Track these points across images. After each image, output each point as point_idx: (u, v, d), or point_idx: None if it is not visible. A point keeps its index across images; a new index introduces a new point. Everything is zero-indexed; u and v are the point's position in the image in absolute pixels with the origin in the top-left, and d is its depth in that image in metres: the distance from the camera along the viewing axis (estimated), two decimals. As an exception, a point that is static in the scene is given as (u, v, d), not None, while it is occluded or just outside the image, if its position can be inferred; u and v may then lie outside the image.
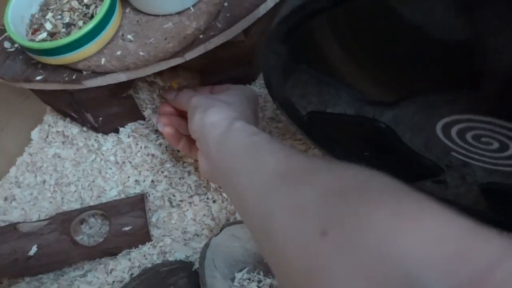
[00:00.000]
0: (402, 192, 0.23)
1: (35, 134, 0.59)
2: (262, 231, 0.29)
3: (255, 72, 0.56)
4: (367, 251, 0.21)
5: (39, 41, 0.42)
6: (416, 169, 0.41)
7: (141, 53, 0.42)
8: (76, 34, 0.40)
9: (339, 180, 0.26)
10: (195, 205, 0.52)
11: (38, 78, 0.44)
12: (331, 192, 0.25)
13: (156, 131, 0.56)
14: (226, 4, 0.45)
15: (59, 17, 0.43)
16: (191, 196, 0.53)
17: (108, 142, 0.56)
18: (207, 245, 0.47)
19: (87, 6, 0.43)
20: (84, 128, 0.57)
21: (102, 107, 0.51)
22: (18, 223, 0.51)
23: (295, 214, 0.26)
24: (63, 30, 0.43)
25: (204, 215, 0.52)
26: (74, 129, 0.58)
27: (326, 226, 0.23)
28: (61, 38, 0.42)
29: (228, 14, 0.44)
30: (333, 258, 0.22)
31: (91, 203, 0.54)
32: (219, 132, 0.38)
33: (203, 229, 0.51)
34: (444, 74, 0.28)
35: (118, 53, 0.42)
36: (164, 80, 0.54)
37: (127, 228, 0.50)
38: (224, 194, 0.52)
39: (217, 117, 0.40)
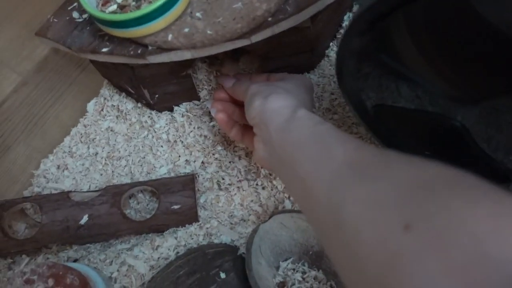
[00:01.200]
0: (500, 192, 0.21)
1: (90, 106, 0.60)
2: (330, 223, 0.28)
3: (314, 61, 0.54)
4: (462, 250, 0.19)
5: (109, 13, 0.42)
6: (485, 174, 0.39)
7: (208, 31, 0.42)
8: (147, 8, 0.40)
9: (423, 173, 0.24)
10: (243, 190, 0.52)
11: (104, 50, 0.44)
12: (414, 185, 0.24)
13: (210, 112, 0.55)
14: (297, -12, 0.44)
15: (130, -10, 0.43)
16: (240, 181, 0.52)
17: (162, 120, 0.56)
18: (255, 231, 0.46)
19: (158, -19, 0.43)
20: (139, 104, 0.58)
21: (160, 85, 0.51)
22: (70, 191, 0.52)
23: (372, 206, 0.25)
24: (133, 3, 0.43)
25: (252, 200, 0.51)
26: (128, 105, 0.58)
27: (409, 219, 0.22)
28: (130, 11, 0.42)
29: (298, -2, 0.43)
30: (419, 254, 0.21)
31: (141, 179, 0.55)
32: (282, 120, 0.37)
33: (250, 214, 0.51)
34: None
35: (186, 30, 0.42)
36: (228, 69, 0.53)
37: (176, 207, 0.50)
38: (274, 182, 0.51)
39: (279, 103, 0.39)
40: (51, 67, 0.66)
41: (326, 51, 0.55)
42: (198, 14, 0.43)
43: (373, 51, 0.33)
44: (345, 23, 0.56)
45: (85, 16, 0.47)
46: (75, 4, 0.48)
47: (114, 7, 0.43)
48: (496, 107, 0.34)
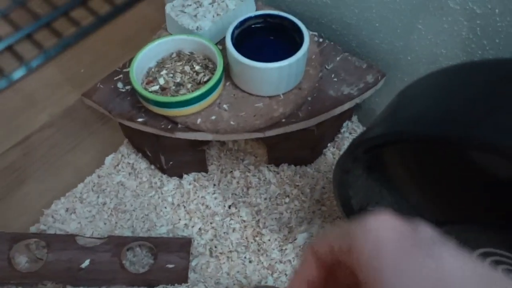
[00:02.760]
0: None
1: (108, 160, 0.66)
2: None
3: (313, 157, 0.63)
4: None
5: (151, 92, 0.50)
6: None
7: (232, 122, 0.50)
8: (187, 96, 0.48)
9: None
10: (232, 261, 0.57)
11: (140, 120, 0.52)
12: None
13: (214, 185, 0.62)
14: (310, 98, 0.53)
15: (171, 75, 0.52)
16: (230, 251, 0.58)
17: (170, 184, 0.63)
18: (238, 300, 0.52)
19: (197, 73, 0.52)
20: (152, 166, 0.64)
21: (177, 154, 0.59)
22: (77, 235, 0.57)
23: None
24: (173, 87, 0.51)
25: (238, 271, 0.57)
26: (142, 165, 0.65)
27: None
28: (171, 94, 0.50)
29: (310, 108, 0.52)
30: None
31: (141, 234, 0.60)
32: None
33: (234, 284, 0.56)
34: (491, 209, 0.34)
35: (213, 117, 0.50)
36: (235, 144, 0.61)
37: (170, 266, 0.55)
38: (261, 257, 0.57)
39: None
40: (77, 115, 0.74)
41: (324, 150, 0.64)
42: (225, 106, 0.51)
43: (363, 171, 0.41)
44: (343, 129, 0.66)
45: (127, 87, 0.55)
46: (121, 75, 0.56)
47: (156, 87, 0.51)
48: (463, 231, 0.41)
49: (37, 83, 0.78)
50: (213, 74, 0.50)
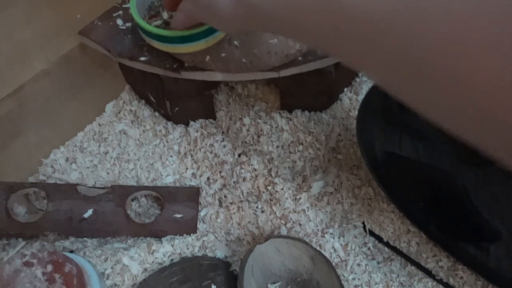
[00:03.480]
0: None
1: (109, 107, 0.62)
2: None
3: (329, 102, 0.59)
4: None
5: (154, 27, 0.46)
6: (474, 230, 0.43)
7: (243, 60, 0.45)
8: (194, 30, 0.43)
9: None
10: (243, 211, 0.54)
11: (142, 59, 0.48)
12: None
13: (223, 132, 0.59)
14: (328, 35, 0.48)
15: (177, 9, 0.47)
16: (241, 201, 0.55)
17: (176, 131, 0.59)
18: (250, 251, 0.49)
19: (204, 6, 0.47)
20: (156, 114, 0.60)
21: (183, 99, 0.55)
22: (78, 184, 0.54)
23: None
24: (178, 22, 0.46)
25: (250, 222, 0.54)
26: (146, 112, 0.61)
27: None
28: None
29: (328, 45, 0.47)
30: None
31: (146, 184, 0.57)
32: None
33: (246, 235, 0.54)
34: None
35: (223, 55, 0.46)
36: (244, 89, 0.57)
37: (178, 216, 0.52)
38: (273, 207, 0.54)
39: None
40: (75, 62, 0.69)
41: (340, 95, 0.60)
42: (236, 43, 0.47)
43: (396, 109, 0.37)
44: (361, 73, 0.61)
45: (128, 24, 0.51)
46: (120, 12, 0.51)
47: (159, 22, 0.46)
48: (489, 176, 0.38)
49: (31, 30, 0.72)
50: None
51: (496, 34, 0.16)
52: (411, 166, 0.42)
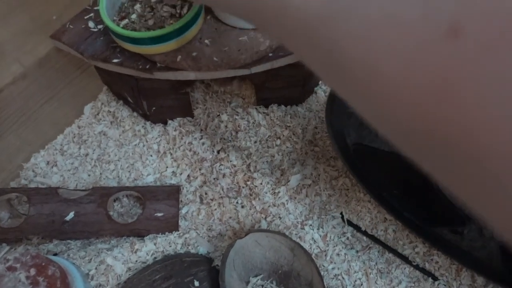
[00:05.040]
0: None
1: (87, 109, 0.62)
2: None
3: (304, 95, 0.59)
4: None
5: (123, 27, 0.46)
6: (445, 214, 0.44)
7: (214, 58, 0.46)
8: (163, 30, 0.43)
9: None
10: (224, 206, 0.55)
11: (115, 60, 0.48)
12: None
13: (201, 130, 0.59)
14: (298, 30, 0.49)
15: (147, 10, 0.47)
16: (221, 197, 0.56)
17: (155, 131, 0.59)
18: (231, 245, 0.50)
19: (174, 6, 0.47)
20: (134, 114, 0.61)
21: (159, 98, 0.55)
22: (59, 188, 0.54)
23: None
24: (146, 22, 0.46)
25: (231, 217, 0.55)
26: (124, 112, 0.61)
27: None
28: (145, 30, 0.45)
29: (298, 40, 0.48)
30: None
31: (127, 184, 0.57)
32: None
33: (227, 230, 0.54)
34: None
35: (194, 54, 0.46)
36: (218, 85, 0.57)
37: (159, 214, 0.53)
38: (253, 202, 0.55)
39: None
40: (51, 64, 0.69)
41: (315, 88, 0.60)
42: (206, 41, 0.47)
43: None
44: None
45: (100, 26, 0.51)
46: (92, 14, 0.51)
47: (126, 21, 0.46)
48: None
49: (6, 33, 0.72)
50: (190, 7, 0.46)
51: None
52: (381, 156, 0.43)
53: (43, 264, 0.46)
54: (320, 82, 0.61)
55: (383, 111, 0.18)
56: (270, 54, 0.47)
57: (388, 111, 0.18)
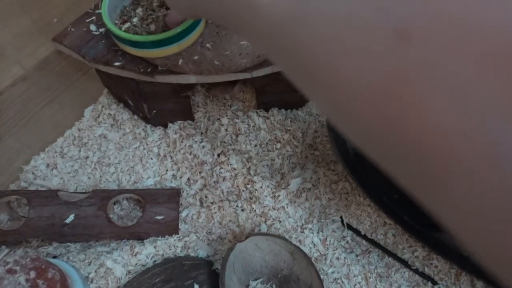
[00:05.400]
0: None
1: (87, 112, 0.62)
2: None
3: (304, 99, 0.59)
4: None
5: (124, 31, 0.46)
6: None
7: (216, 62, 0.46)
8: (164, 34, 0.44)
9: None
10: (224, 210, 0.55)
11: (117, 63, 0.48)
12: None
13: (202, 133, 0.59)
14: (299, 34, 0.49)
15: (149, 13, 0.47)
16: (221, 201, 0.56)
17: (155, 134, 0.59)
18: (231, 249, 0.50)
19: (176, 10, 0.47)
20: (135, 116, 0.61)
21: (160, 101, 0.55)
22: (59, 190, 0.54)
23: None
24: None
25: (231, 220, 0.55)
26: (125, 115, 0.61)
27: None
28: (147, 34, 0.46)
29: (299, 44, 0.48)
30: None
31: (127, 187, 0.57)
32: None
33: (227, 233, 0.54)
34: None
35: (196, 57, 0.46)
36: (219, 92, 0.58)
37: (159, 217, 0.53)
38: (253, 205, 0.55)
39: None
40: (52, 67, 0.69)
41: (315, 92, 0.61)
42: (208, 45, 0.47)
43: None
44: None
45: (101, 30, 0.51)
46: (94, 17, 0.52)
47: (128, 25, 0.47)
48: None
49: (7, 35, 0.72)
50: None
51: None
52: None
53: (43, 267, 0.46)
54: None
55: (344, 111, 0.19)
56: (271, 58, 0.47)
57: (349, 112, 0.19)
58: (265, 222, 0.54)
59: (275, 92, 0.56)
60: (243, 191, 0.56)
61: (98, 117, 0.62)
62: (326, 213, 0.54)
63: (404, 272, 0.50)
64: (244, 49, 0.47)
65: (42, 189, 0.57)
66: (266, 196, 0.55)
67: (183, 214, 0.55)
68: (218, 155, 0.58)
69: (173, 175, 0.58)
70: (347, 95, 0.18)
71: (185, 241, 0.53)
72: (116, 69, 0.48)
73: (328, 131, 0.45)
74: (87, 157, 0.60)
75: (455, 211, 0.16)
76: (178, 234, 0.54)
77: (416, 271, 0.49)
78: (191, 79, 0.48)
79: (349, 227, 0.53)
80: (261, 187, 0.55)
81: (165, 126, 0.59)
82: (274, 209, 0.54)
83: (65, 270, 0.48)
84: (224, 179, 0.57)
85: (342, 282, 0.50)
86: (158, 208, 0.53)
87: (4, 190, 0.53)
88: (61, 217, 0.52)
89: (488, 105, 0.14)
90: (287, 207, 0.54)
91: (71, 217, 0.52)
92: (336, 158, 0.47)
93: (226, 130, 0.59)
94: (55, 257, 0.52)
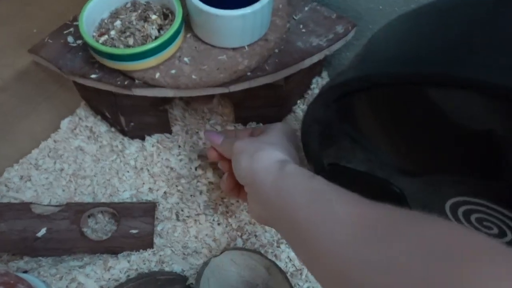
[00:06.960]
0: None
1: (64, 123, 0.62)
2: (344, 284, 0.28)
3: (282, 114, 0.60)
4: None
5: (102, 43, 0.46)
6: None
7: (193, 76, 0.46)
8: (142, 47, 0.44)
9: (445, 238, 0.25)
10: (200, 224, 0.55)
11: (93, 76, 0.48)
12: (438, 253, 0.24)
13: (179, 146, 0.59)
14: (277, 50, 0.50)
15: (126, 27, 0.47)
16: (198, 214, 0.56)
17: (132, 146, 0.59)
18: (206, 264, 0.49)
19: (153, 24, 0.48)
20: (112, 129, 0.60)
21: (137, 114, 0.55)
22: (32, 203, 0.53)
23: (396, 274, 0.24)
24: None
25: (207, 235, 0.55)
26: (102, 127, 0.61)
27: None
28: (124, 47, 0.46)
29: (277, 60, 0.49)
30: None
31: (103, 200, 0.57)
32: (272, 178, 0.38)
33: (203, 247, 0.54)
34: (466, 161, 0.33)
35: (173, 71, 0.46)
36: (199, 104, 0.58)
37: (134, 231, 0.52)
38: (229, 219, 0.55)
39: (266, 162, 0.39)
40: (30, 78, 0.68)
41: (293, 107, 0.61)
42: (186, 59, 0.47)
43: (335, 119, 0.39)
44: (313, 85, 0.63)
45: (79, 42, 0.51)
46: (72, 29, 0.51)
47: (105, 37, 0.47)
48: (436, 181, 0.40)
49: (-15, 46, 0.71)
50: (171, 24, 0.46)
51: None
52: (353, 176, 0.43)
53: (12, 282, 0.44)
54: (299, 101, 0.62)
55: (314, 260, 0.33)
56: (249, 74, 0.48)
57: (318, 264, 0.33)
58: (241, 236, 0.54)
59: (253, 107, 0.56)
60: (219, 205, 0.56)
61: (75, 129, 0.61)
62: (302, 228, 0.54)
63: None
64: (222, 64, 0.47)
65: (15, 201, 0.56)
66: (242, 210, 0.55)
67: (159, 228, 0.55)
68: (196, 169, 0.58)
69: (150, 188, 0.57)
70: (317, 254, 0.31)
71: (160, 256, 0.52)
72: (93, 81, 0.48)
73: (304, 147, 0.45)
74: (62, 170, 0.59)
75: None
76: (153, 248, 0.53)
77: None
78: (168, 92, 0.48)
79: (325, 242, 0.53)
80: (238, 201, 0.55)
81: (143, 139, 0.59)
82: (250, 223, 0.54)
83: (35, 285, 0.47)
84: (201, 192, 0.57)
85: (317, 297, 0.50)
86: (133, 222, 0.52)
87: (-26, 203, 0.52)
88: (34, 230, 0.51)
89: None
90: (263, 222, 0.54)
91: (43, 230, 0.51)
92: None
93: (204, 143, 0.59)
94: (25, 271, 0.51)
